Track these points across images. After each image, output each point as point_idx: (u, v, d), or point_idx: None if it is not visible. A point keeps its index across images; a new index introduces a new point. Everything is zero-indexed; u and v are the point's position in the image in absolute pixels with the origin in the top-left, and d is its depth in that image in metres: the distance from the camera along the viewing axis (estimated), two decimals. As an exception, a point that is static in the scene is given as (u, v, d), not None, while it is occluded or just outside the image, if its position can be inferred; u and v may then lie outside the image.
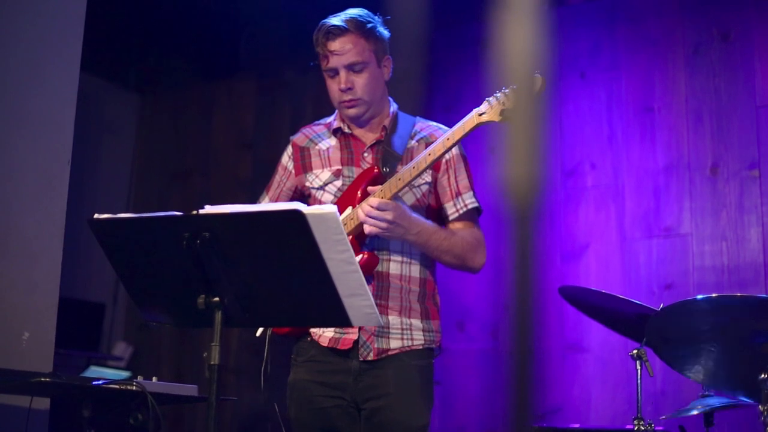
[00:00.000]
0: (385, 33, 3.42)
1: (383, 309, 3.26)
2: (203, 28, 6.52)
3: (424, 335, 3.33)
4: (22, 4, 4.26)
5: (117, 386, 3.39)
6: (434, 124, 3.50)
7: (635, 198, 5.36)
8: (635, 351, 3.71)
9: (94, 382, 3.40)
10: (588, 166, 5.51)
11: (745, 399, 3.40)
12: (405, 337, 3.29)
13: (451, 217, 3.39)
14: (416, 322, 3.32)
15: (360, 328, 3.25)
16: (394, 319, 3.28)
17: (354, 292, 2.44)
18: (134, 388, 3.34)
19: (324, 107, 3.48)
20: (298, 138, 3.55)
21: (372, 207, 3.14)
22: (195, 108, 7.21)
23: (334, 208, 2.36)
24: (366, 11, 3.41)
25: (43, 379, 3.38)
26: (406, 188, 3.25)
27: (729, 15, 5.31)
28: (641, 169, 5.37)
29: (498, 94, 3.09)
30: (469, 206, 3.38)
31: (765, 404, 2.98)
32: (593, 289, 3.89)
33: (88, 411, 3.51)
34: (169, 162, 7.19)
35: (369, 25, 3.34)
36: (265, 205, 2.46)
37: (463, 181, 3.40)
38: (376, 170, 3.29)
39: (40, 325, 4.18)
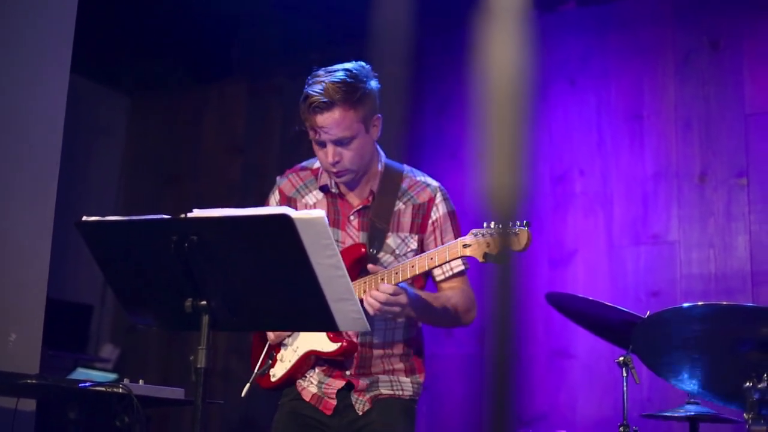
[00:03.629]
0: (374, 87, 3.26)
1: (367, 374, 3.28)
2: (195, 32, 6.52)
3: (412, 387, 3.34)
4: (12, 6, 4.25)
5: (103, 388, 3.39)
6: (421, 178, 3.40)
7: (623, 205, 5.37)
8: (621, 358, 3.71)
9: (80, 385, 3.40)
10: (577, 173, 5.52)
11: (730, 407, 3.41)
12: (395, 387, 3.30)
13: (438, 279, 3.35)
14: (403, 378, 3.33)
15: (351, 390, 3.25)
16: (382, 377, 3.30)
17: (341, 297, 2.44)
18: (120, 390, 3.34)
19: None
20: (285, 186, 3.45)
21: (389, 294, 3.04)
22: (186, 111, 7.20)
23: (322, 213, 2.35)
24: (353, 70, 3.22)
25: (29, 380, 3.38)
26: (392, 257, 3.25)
27: (719, 24, 5.33)
28: (630, 176, 5.38)
29: (484, 232, 3.00)
30: (455, 270, 3.33)
31: (750, 412, 2.99)
32: (580, 295, 3.90)
33: (74, 413, 3.51)
34: (159, 165, 7.19)
35: (357, 93, 3.17)
36: (253, 210, 2.45)
37: (450, 243, 3.37)
38: (363, 250, 3.24)
39: (27, 326, 4.18)
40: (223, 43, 6.77)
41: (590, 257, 5.39)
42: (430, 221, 3.33)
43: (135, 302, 2.70)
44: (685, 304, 3.12)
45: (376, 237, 3.27)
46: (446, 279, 3.36)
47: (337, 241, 3.29)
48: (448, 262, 3.15)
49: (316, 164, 3.42)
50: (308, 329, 3.21)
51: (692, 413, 3.71)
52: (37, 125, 4.34)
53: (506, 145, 1.38)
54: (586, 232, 5.43)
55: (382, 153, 3.42)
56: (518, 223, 2.90)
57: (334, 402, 3.25)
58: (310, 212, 2.36)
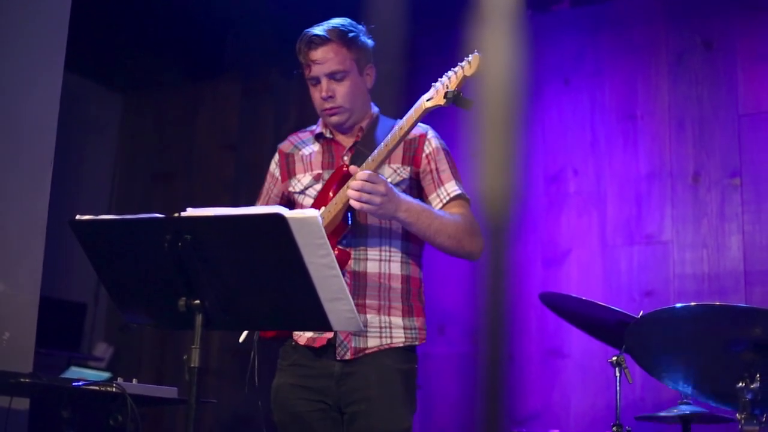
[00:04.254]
0: (368, 42, 3.43)
1: (361, 308, 3.22)
2: (188, 30, 6.51)
3: (404, 333, 3.29)
4: (5, 3, 4.25)
5: (97, 387, 3.39)
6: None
7: (617, 205, 5.37)
8: (615, 358, 3.72)
9: (73, 383, 3.40)
10: (570, 173, 5.53)
11: (723, 407, 3.42)
12: (383, 335, 3.26)
13: (436, 208, 3.35)
14: (396, 320, 3.28)
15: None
16: (372, 318, 3.25)
17: (335, 297, 2.44)
18: (114, 389, 3.34)
19: (308, 109, 3.49)
20: (284, 145, 3.57)
21: (364, 180, 3.06)
22: (179, 109, 7.19)
23: (315, 213, 2.36)
24: (349, 20, 3.42)
25: (22, 379, 3.38)
26: None
27: (712, 24, 5.34)
28: (623, 176, 5.39)
29: (443, 78, 3.09)
30: (452, 194, 3.33)
31: (742, 413, 2.99)
32: (573, 295, 3.90)
33: (68, 412, 3.51)
34: (152, 163, 7.18)
35: (351, 35, 3.36)
36: (247, 209, 2.46)
37: (445, 172, 3.37)
38: (345, 168, 3.26)
39: (20, 325, 4.17)
40: (216, 42, 6.76)
41: (584, 257, 5.39)
42: (423, 155, 3.36)
43: (128, 301, 2.70)
44: (678, 305, 3.13)
45: (359, 158, 3.29)
46: (444, 205, 3.34)
47: None
48: (420, 120, 3.17)
49: (314, 126, 3.54)
50: (302, 328, 3.21)
51: (686, 412, 3.72)
52: (31, 123, 4.33)
53: (500, 145, 1.38)
54: (579, 232, 5.44)
55: (376, 108, 3.51)
56: (469, 54, 3.04)
57: (330, 334, 3.23)
58: (303, 212, 2.37)
